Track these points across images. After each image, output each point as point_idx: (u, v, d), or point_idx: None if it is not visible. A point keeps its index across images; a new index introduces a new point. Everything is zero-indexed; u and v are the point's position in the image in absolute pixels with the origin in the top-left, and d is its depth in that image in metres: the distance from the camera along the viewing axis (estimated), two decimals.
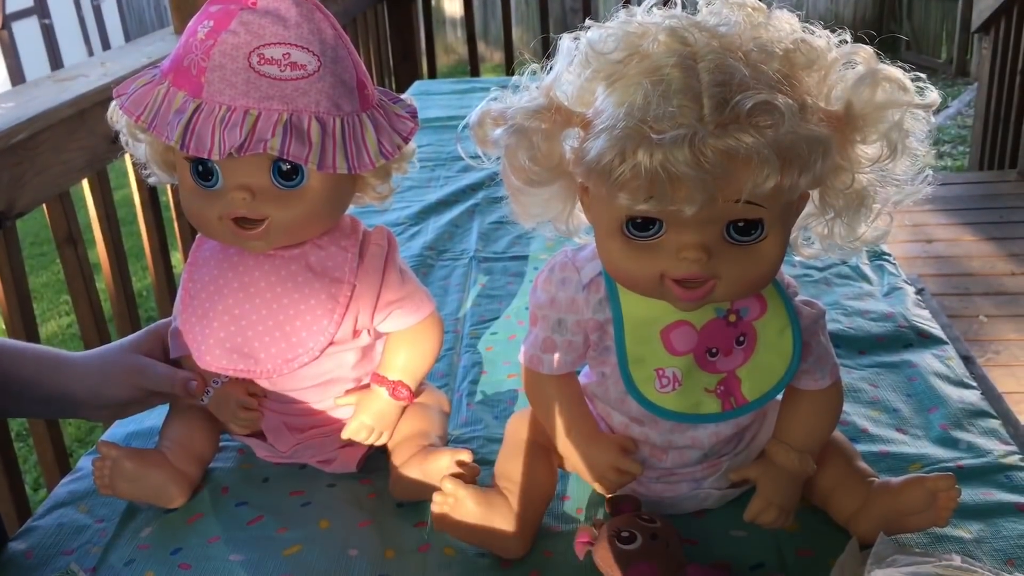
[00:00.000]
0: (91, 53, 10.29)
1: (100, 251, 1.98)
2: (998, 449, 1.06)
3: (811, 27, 0.84)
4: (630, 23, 0.81)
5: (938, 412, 1.14)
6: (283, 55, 0.89)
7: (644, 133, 0.74)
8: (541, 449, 0.99)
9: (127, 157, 2.06)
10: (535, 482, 0.97)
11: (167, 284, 2.18)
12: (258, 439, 1.11)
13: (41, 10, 10.08)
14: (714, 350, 0.89)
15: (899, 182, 0.87)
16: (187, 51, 0.91)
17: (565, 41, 0.86)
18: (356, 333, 1.03)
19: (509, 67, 3.74)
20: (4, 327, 1.65)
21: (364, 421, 1.04)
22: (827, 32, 0.84)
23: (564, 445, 0.97)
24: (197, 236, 1.06)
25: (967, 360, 2.54)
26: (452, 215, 1.85)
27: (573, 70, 0.86)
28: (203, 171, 0.93)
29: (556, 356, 0.94)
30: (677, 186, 0.74)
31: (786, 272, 0.94)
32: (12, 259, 1.61)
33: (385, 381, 1.05)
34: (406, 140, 0.97)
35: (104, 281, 2.03)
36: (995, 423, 1.11)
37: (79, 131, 1.80)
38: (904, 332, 1.33)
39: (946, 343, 1.31)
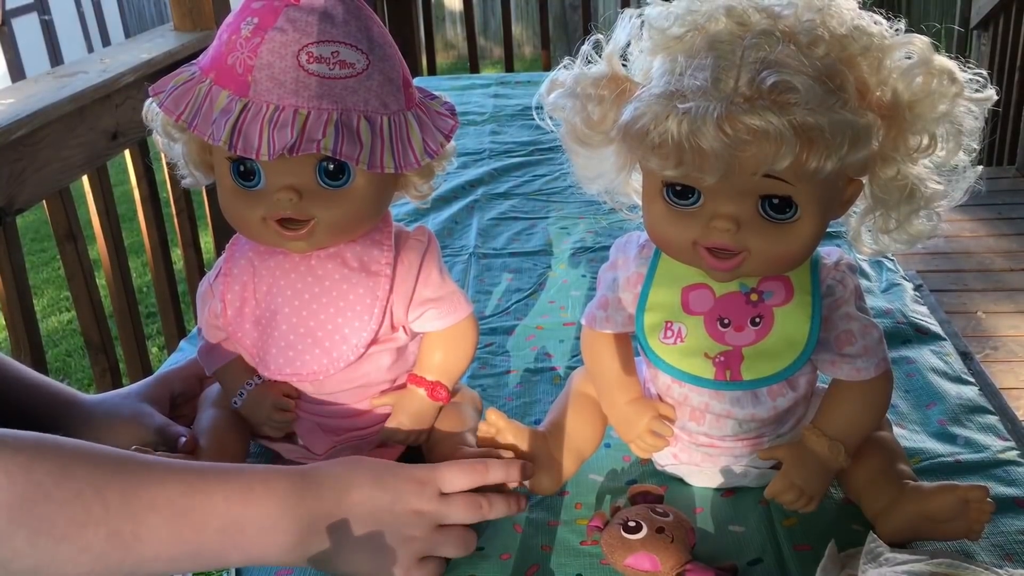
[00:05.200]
0: (91, 49, 10.28)
1: (100, 247, 1.99)
2: (996, 444, 1.06)
3: (872, 14, 0.86)
4: (695, 2, 0.85)
5: (936, 408, 1.14)
6: (332, 53, 0.87)
7: (674, 102, 0.78)
8: (592, 402, 1.03)
9: (127, 153, 2.07)
10: (577, 429, 1.02)
11: (167, 280, 2.19)
12: (285, 443, 1.10)
13: (41, 6, 10.07)
14: (726, 320, 0.91)
15: (949, 177, 0.88)
16: (231, 48, 0.89)
17: (627, 15, 0.91)
18: (394, 328, 1.02)
19: (509, 63, 3.74)
20: (4, 323, 1.65)
21: (402, 422, 1.04)
22: (884, 20, 0.85)
23: (607, 403, 1.01)
24: (227, 247, 1.05)
25: (965, 356, 2.53)
26: (452, 211, 1.85)
27: (638, 45, 0.91)
28: (244, 171, 0.91)
29: (607, 314, 0.98)
30: (701, 156, 0.78)
31: None
32: (12, 255, 1.62)
33: (423, 382, 1.04)
34: (448, 138, 0.97)
35: (104, 277, 2.03)
36: (993, 419, 1.12)
37: (79, 127, 1.80)
38: (902, 328, 1.33)
39: (944, 339, 1.31)
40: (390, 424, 1.04)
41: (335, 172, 0.91)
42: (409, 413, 1.04)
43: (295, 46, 0.86)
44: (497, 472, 0.92)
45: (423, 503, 0.88)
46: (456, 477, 0.90)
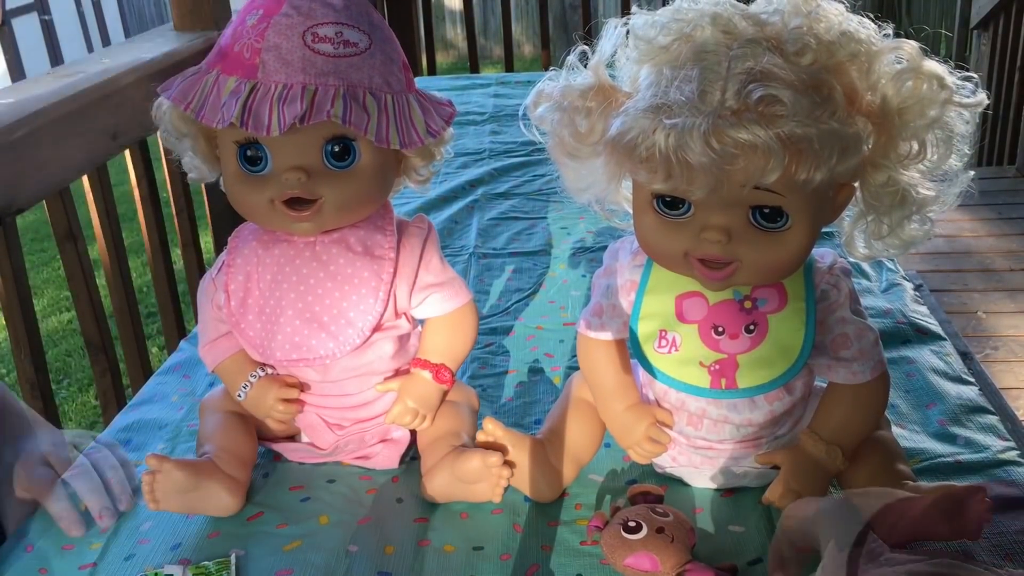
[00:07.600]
0: (91, 49, 10.27)
1: (100, 247, 1.98)
2: (996, 445, 1.06)
3: (860, 18, 0.85)
4: (680, 10, 0.85)
5: (936, 408, 1.14)
6: (336, 33, 0.91)
7: (660, 116, 0.77)
8: (589, 408, 1.03)
9: (127, 153, 2.07)
10: (576, 436, 1.02)
11: (167, 280, 2.18)
12: (288, 442, 1.11)
13: (41, 6, 10.07)
14: (720, 328, 0.91)
15: (941, 181, 0.87)
16: (236, 38, 0.92)
17: (612, 24, 0.91)
18: (397, 315, 1.03)
19: (509, 63, 3.74)
20: (4, 323, 1.64)
21: (408, 404, 1.04)
22: (873, 25, 0.85)
23: (605, 410, 1.01)
24: (230, 241, 1.06)
25: (965, 356, 2.53)
26: (452, 211, 1.85)
27: (624, 52, 0.90)
28: (251, 157, 0.94)
29: (603, 320, 0.98)
30: (689, 169, 0.77)
31: None
32: (12, 255, 1.61)
33: (428, 365, 1.05)
34: (447, 122, 1.00)
35: (104, 277, 2.03)
36: (993, 419, 1.12)
37: (79, 127, 1.80)
38: (902, 328, 1.33)
39: (944, 339, 1.31)
40: (396, 408, 1.04)
41: (341, 153, 0.94)
42: (415, 396, 1.04)
43: (301, 27, 0.90)
44: None
45: None
46: None
